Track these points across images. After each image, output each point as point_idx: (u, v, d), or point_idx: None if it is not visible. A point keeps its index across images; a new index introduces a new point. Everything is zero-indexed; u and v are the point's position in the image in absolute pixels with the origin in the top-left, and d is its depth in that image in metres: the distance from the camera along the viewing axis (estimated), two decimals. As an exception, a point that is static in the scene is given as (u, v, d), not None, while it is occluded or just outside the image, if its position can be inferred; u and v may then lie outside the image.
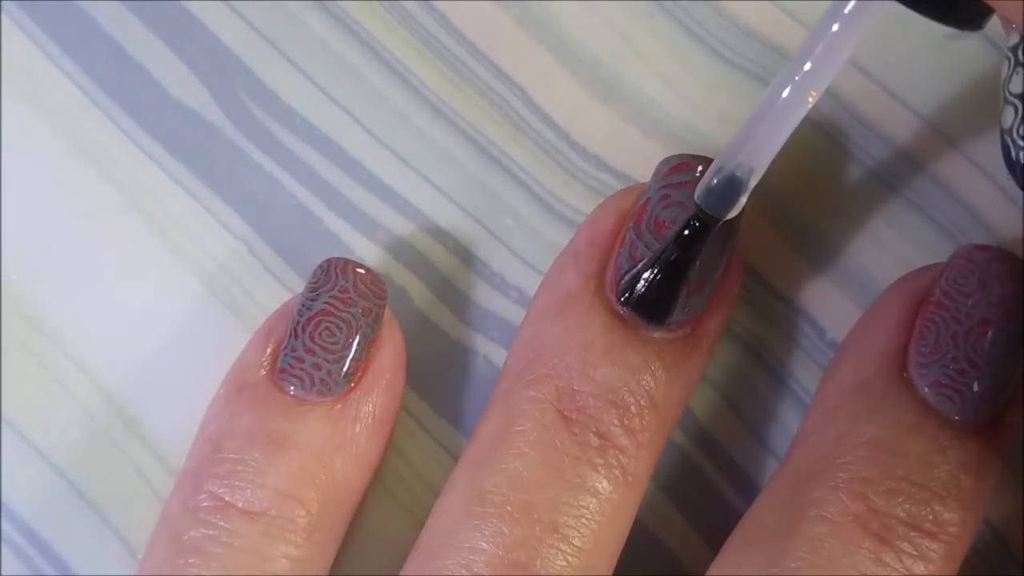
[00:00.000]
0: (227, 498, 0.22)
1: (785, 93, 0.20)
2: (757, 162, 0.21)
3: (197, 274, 0.26)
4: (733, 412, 0.25)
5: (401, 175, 0.26)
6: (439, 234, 0.26)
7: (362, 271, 0.23)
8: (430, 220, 0.26)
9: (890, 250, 0.25)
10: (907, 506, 0.21)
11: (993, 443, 0.22)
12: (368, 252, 0.26)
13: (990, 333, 0.22)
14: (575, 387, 0.22)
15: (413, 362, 0.25)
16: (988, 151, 0.25)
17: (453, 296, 0.26)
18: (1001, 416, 0.22)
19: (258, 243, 0.26)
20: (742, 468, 0.25)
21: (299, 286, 0.26)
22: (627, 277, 0.22)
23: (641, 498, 0.23)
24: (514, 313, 0.26)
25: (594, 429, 0.22)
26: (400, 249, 0.26)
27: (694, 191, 0.21)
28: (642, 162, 0.26)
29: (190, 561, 0.22)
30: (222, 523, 0.22)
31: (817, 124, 0.25)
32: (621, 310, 0.22)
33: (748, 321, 0.25)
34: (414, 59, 0.26)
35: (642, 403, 0.22)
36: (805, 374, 0.25)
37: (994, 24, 0.24)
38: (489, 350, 0.26)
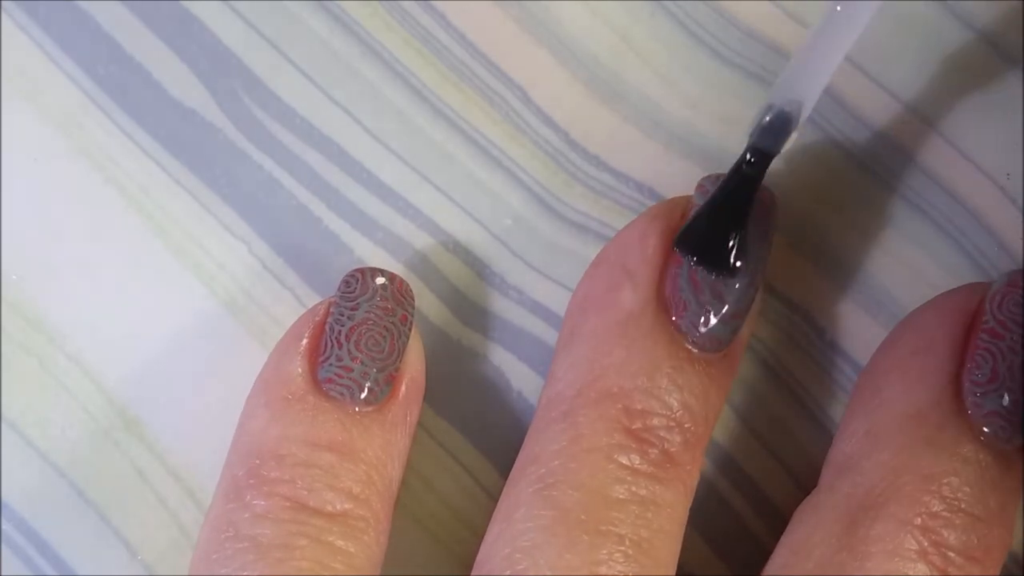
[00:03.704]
0: (306, 501, 0.22)
1: (828, 25, 0.20)
2: (806, 96, 0.21)
3: (197, 274, 0.26)
4: (732, 411, 0.25)
5: (401, 175, 0.26)
6: (439, 234, 0.26)
7: (395, 279, 0.24)
8: (430, 220, 0.26)
9: (889, 250, 0.25)
10: (963, 537, 0.21)
11: None
12: (368, 252, 0.26)
13: None
14: (642, 407, 0.22)
15: (413, 362, 0.25)
16: (988, 151, 0.25)
17: (453, 296, 0.26)
18: None
19: (258, 243, 0.26)
20: (742, 467, 0.25)
21: (299, 286, 0.26)
22: (684, 227, 0.22)
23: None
24: (514, 313, 0.26)
25: (661, 447, 0.22)
26: (400, 249, 0.26)
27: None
28: (642, 162, 0.26)
29: (276, 556, 0.22)
30: (306, 521, 0.22)
31: (818, 126, 0.25)
32: (684, 324, 0.22)
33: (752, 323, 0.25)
34: (414, 59, 0.26)
35: (698, 419, 0.22)
36: (803, 372, 0.25)
37: (994, 24, 0.24)
38: (489, 350, 0.26)
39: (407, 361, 0.24)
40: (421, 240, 0.26)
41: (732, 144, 0.25)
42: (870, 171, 0.25)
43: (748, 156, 0.22)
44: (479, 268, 0.26)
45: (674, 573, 0.23)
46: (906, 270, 0.25)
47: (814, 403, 0.25)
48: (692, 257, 0.22)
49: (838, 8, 0.20)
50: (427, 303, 0.26)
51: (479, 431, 0.25)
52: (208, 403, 0.25)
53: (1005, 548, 0.22)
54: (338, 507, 0.23)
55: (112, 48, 0.27)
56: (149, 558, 0.25)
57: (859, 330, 0.25)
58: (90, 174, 0.26)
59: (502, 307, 0.26)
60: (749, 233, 0.22)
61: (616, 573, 0.21)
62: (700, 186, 0.23)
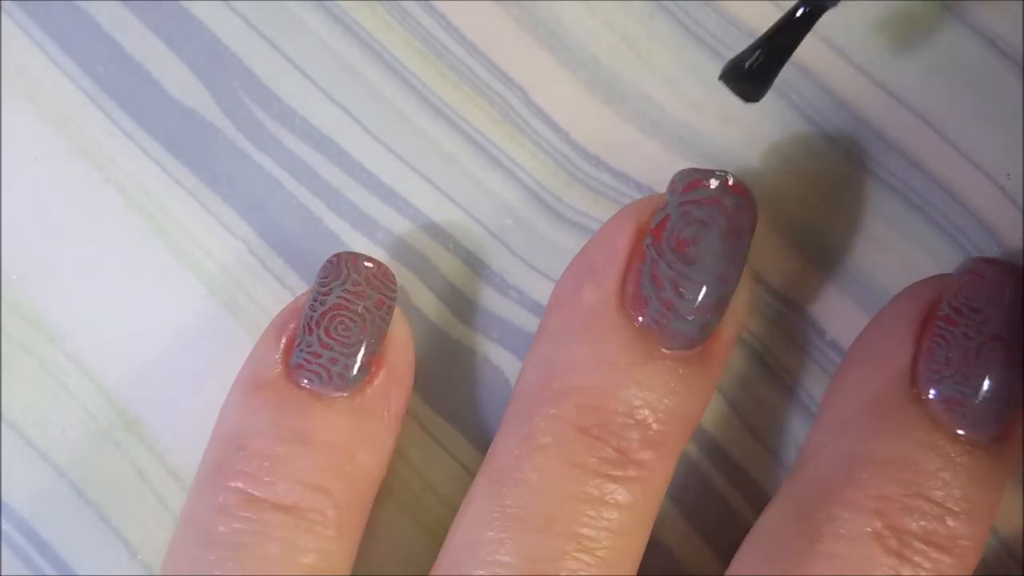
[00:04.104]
0: (257, 493, 0.22)
1: None
2: None
3: (197, 274, 0.26)
4: (732, 411, 0.25)
5: (401, 175, 0.26)
6: (439, 234, 0.26)
7: (371, 264, 0.24)
8: (430, 220, 0.26)
9: (890, 250, 0.25)
10: (923, 522, 0.21)
11: (1001, 457, 0.22)
12: (368, 252, 0.26)
13: (1001, 348, 0.22)
14: (596, 404, 0.22)
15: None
16: (988, 151, 0.25)
17: (453, 296, 0.26)
18: (1010, 430, 0.22)
19: (258, 243, 0.26)
20: (741, 467, 0.25)
21: (299, 286, 0.26)
22: (731, 61, 0.22)
23: (658, 509, 0.23)
24: (514, 313, 0.26)
25: (614, 444, 0.22)
26: (400, 249, 0.26)
27: (715, 210, 0.22)
28: (642, 162, 0.26)
29: (224, 555, 0.22)
30: (254, 517, 0.22)
31: (817, 125, 0.25)
32: (644, 322, 0.22)
33: (747, 321, 0.25)
34: (414, 59, 0.26)
35: (662, 418, 0.22)
36: (805, 374, 0.25)
37: (994, 24, 0.24)
38: (489, 350, 0.26)
39: (388, 348, 0.24)
40: (421, 240, 0.26)
41: (732, 144, 0.25)
42: (870, 171, 0.25)
43: (804, 7, 0.22)
44: (479, 268, 0.26)
45: (629, 573, 0.22)
46: (906, 270, 0.25)
47: (814, 403, 0.25)
48: (732, 85, 0.22)
49: None
50: (426, 302, 0.26)
51: (478, 430, 0.25)
52: (208, 403, 0.25)
53: (978, 539, 0.22)
54: (290, 499, 0.22)
55: (112, 48, 0.27)
56: (149, 558, 0.25)
57: (859, 330, 0.25)
58: (90, 174, 0.26)
59: (502, 307, 0.26)
60: (728, 223, 0.22)
61: (554, 572, 0.21)
62: (672, 183, 0.23)
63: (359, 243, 0.26)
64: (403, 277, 0.26)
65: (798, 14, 0.22)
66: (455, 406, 0.26)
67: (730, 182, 0.22)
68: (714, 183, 0.22)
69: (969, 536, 0.21)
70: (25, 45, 0.27)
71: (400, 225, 0.26)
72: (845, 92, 0.25)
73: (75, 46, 0.27)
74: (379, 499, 0.25)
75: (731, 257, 0.22)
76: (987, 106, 0.25)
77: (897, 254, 0.25)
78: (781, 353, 0.25)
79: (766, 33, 0.22)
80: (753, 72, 0.22)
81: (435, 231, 0.26)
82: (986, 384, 0.22)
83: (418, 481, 0.25)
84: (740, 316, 0.24)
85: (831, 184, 0.25)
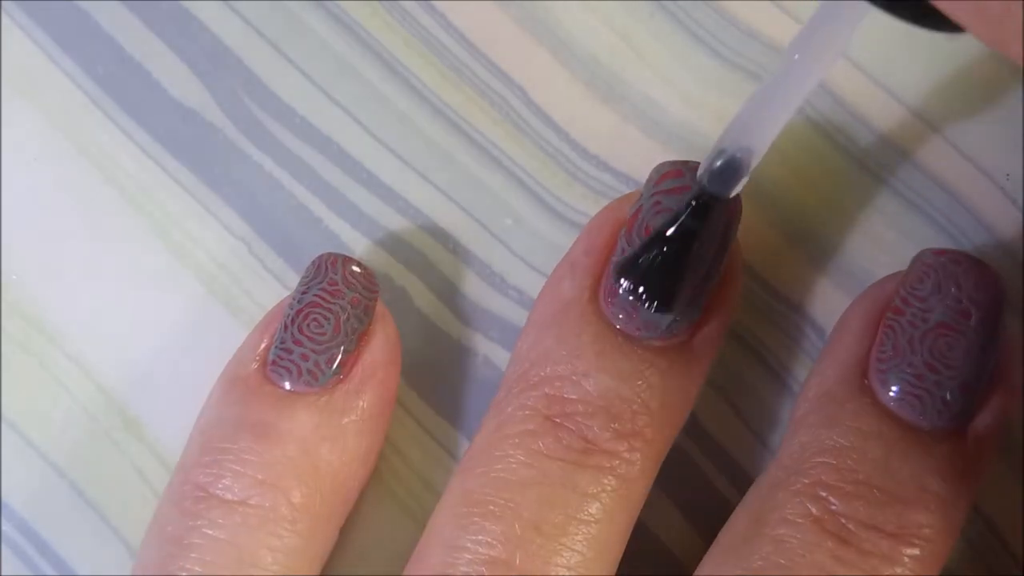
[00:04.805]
0: (210, 488, 0.22)
1: (785, 76, 0.20)
2: (757, 144, 0.21)
3: (197, 274, 0.26)
4: (732, 411, 0.25)
5: (401, 175, 0.26)
6: (439, 234, 0.26)
7: (351, 265, 0.24)
8: (430, 220, 0.26)
9: (890, 250, 0.25)
10: (866, 508, 0.21)
11: (963, 447, 0.22)
12: (368, 252, 0.26)
13: (947, 336, 0.22)
14: (564, 394, 0.22)
15: (413, 362, 0.25)
16: (988, 151, 0.25)
17: (453, 296, 0.26)
18: (968, 421, 0.22)
19: (258, 243, 0.26)
20: (741, 467, 0.25)
21: (299, 286, 0.26)
22: (624, 257, 0.22)
23: (641, 501, 0.23)
24: (514, 313, 0.26)
25: (581, 434, 0.22)
26: (400, 249, 0.26)
27: (685, 197, 0.22)
28: (642, 162, 0.26)
29: (172, 552, 0.22)
30: (204, 513, 0.22)
31: (816, 124, 0.25)
32: (612, 311, 0.22)
33: (748, 320, 0.25)
34: (414, 59, 0.26)
35: (635, 408, 0.22)
36: (805, 374, 0.25)
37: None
38: (489, 350, 0.26)
39: (366, 348, 0.24)
40: (421, 240, 0.26)
41: (732, 144, 0.25)
42: (870, 171, 0.25)
43: (696, 200, 0.21)
44: (479, 268, 0.26)
45: (602, 563, 0.22)
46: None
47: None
48: (630, 289, 0.22)
49: (796, 57, 0.20)
50: (426, 302, 0.26)
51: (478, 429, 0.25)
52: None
53: (939, 530, 0.21)
54: (238, 494, 0.22)
55: (112, 48, 0.27)
56: (149, 558, 0.25)
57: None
58: (90, 174, 0.26)
59: (502, 307, 0.26)
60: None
61: (507, 554, 0.21)
62: (648, 176, 0.23)
63: (359, 243, 0.26)
64: (403, 277, 0.26)
65: (690, 212, 0.21)
66: (455, 405, 0.26)
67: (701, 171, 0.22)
68: (687, 173, 0.23)
69: (926, 525, 0.21)
70: (25, 45, 0.27)
71: (400, 225, 0.26)
72: (845, 92, 0.25)
73: (75, 46, 0.27)
74: (379, 498, 0.25)
75: (717, 256, 0.22)
76: (987, 106, 0.25)
77: (897, 254, 0.25)
78: (782, 353, 0.25)
79: (657, 231, 0.22)
80: (650, 269, 0.22)
81: (435, 231, 0.26)
82: (933, 372, 0.22)
83: (418, 481, 0.25)
84: (727, 314, 0.23)
85: (831, 184, 0.25)
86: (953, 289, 0.22)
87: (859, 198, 0.25)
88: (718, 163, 0.21)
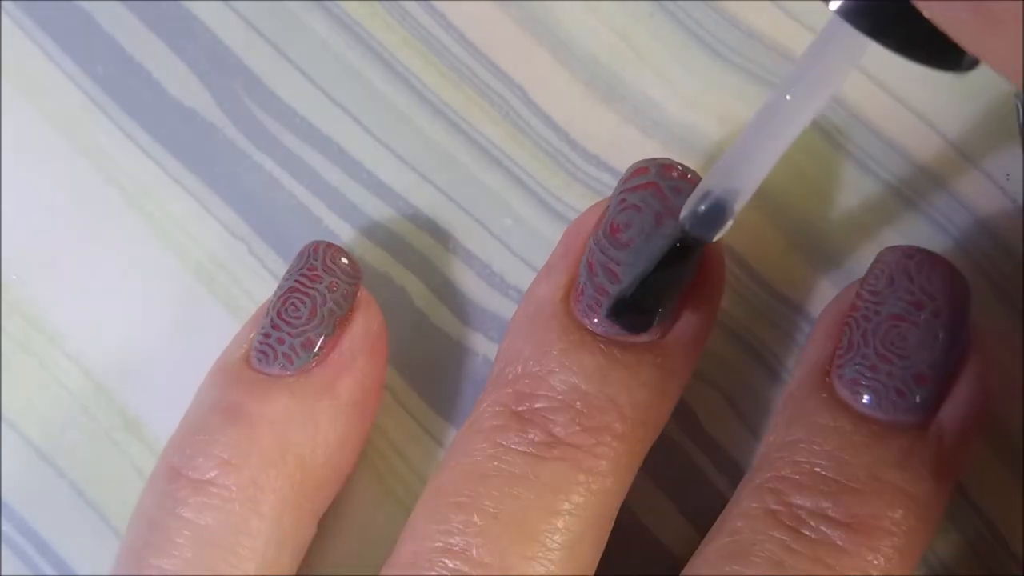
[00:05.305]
0: (181, 469, 0.23)
1: (775, 115, 0.20)
2: (743, 187, 0.21)
3: (197, 274, 0.26)
4: (732, 411, 0.25)
5: (401, 175, 0.26)
6: (439, 234, 0.26)
7: (334, 252, 0.24)
8: (430, 220, 0.26)
9: (890, 250, 0.25)
10: (816, 499, 0.21)
11: (923, 441, 0.22)
12: (368, 252, 0.26)
13: (899, 327, 0.22)
14: (532, 391, 0.22)
15: (413, 362, 0.25)
16: (987, 151, 0.25)
17: (453, 296, 0.26)
18: (932, 412, 0.22)
19: (258, 243, 0.26)
20: (741, 467, 0.25)
21: (299, 286, 0.26)
22: (610, 299, 0.22)
23: (616, 497, 0.23)
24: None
25: (546, 428, 0.22)
26: (400, 249, 0.26)
27: (649, 193, 0.22)
28: (642, 162, 0.26)
29: (142, 533, 0.23)
30: (172, 493, 0.23)
31: (817, 124, 0.25)
32: (581, 310, 0.23)
33: (747, 320, 0.25)
34: (414, 59, 0.26)
35: (602, 404, 0.22)
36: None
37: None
38: (489, 350, 0.26)
39: (346, 334, 0.24)
40: (421, 240, 0.26)
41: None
42: (870, 171, 0.25)
43: (680, 243, 0.21)
44: (479, 268, 0.26)
45: (552, 545, 0.22)
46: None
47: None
48: (616, 322, 0.22)
49: (787, 97, 0.19)
50: (426, 302, 0.26)
51: (479, 431, 0.25)
52: (208, 403, 0.25)
53: (899, 522, 0.21)
54: (205, 474, 0.22)
55: (112, 48, 0.27)
56: (149, 558, 0.25)
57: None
58: (90, 174, 0.26)
59: (502, 307, 0.26)
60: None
61: (465, 542, 0.21)
62: (621, 176, 0.23)
63: (359, 243, 0.26)
64: (403, 277, 0.26)
65: (675, 253, 0.21)
66: (454, 405, 0.26)
67: (667, 166, 0.22)
68: (653, 169, 0.22)
69: (884, 516, 0.21)
70: (25, 45, 0.27)
71: (400, 225, 0.26)
72: (846, 93, 0.25)
73: (75, 46, 0.27)
74: (378, 498, 0.25)
75: (671, 238, 0.22)
76: (987, 106, 0.25)
77: (897, 254, 0.25)
78: (782, 353, 0.25)
79: (640, 272, 0.22)
80: (635, 304, 0.22)
81: (435, 231, 0.26)
82: (885, 362, 0.22)
83: (418, 481, 0.25)
84: (706, 315, 0.23)
85: (831, 184, 0.25)
86: (905, 281, 0.22)
87: (859, 198, 0.25)
88: (702, 207, 0.21)
